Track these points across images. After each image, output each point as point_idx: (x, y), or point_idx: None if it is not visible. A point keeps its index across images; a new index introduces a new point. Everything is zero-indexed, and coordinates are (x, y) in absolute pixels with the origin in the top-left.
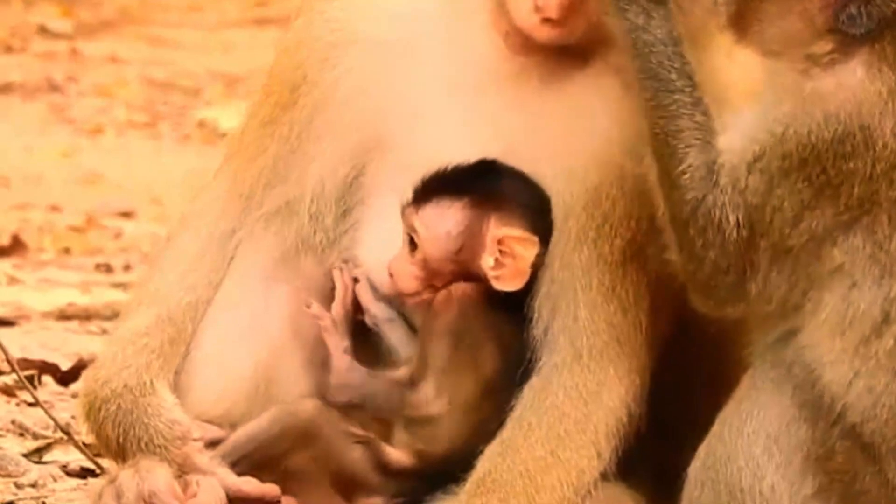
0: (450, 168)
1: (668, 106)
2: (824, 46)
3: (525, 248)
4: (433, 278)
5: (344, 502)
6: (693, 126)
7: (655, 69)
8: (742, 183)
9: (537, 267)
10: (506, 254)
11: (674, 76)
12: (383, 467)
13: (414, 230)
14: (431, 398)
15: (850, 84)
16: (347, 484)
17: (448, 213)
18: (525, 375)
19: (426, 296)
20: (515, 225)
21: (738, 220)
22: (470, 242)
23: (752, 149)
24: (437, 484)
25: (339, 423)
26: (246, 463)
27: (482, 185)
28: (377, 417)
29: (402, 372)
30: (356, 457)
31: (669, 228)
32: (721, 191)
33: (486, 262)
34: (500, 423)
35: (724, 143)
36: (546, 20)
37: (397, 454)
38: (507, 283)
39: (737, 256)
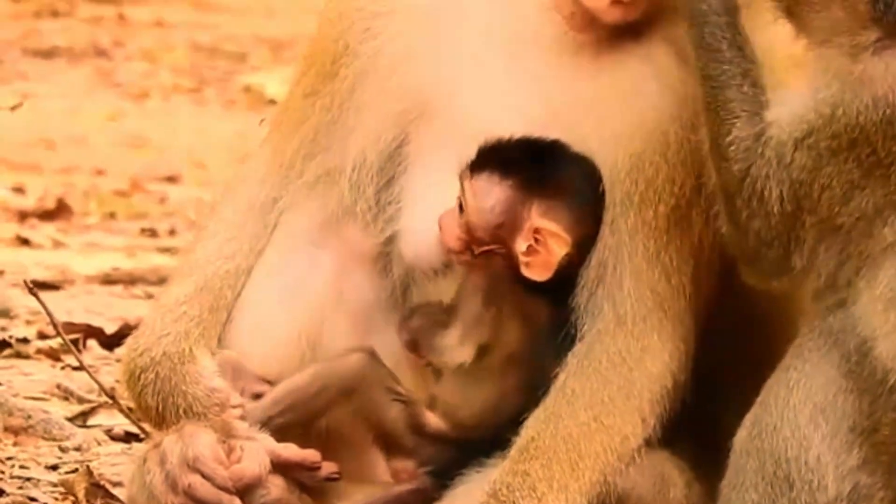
0: (512, 140)
1: (717, 76)
2: (870, 36)
3: (557, 245)
4: (474, 243)
5: (383, 460)
6: (741, 97)
7: (707, 39)
8: (787, 158)
9: (571, 265)
10: (540, 243)
11: (724, 46)
12: (419, 429)
13: (463, 195)
14: (456, 345)
15: None
16: (385, 442)
17: (495, 189)
18: (562, 352)
19: (466, 258)
20: (556, 219)
21: (781, 193)
22: (510, 222)
23: (800, 127)
24: (468, 459)
25: (382, 378)
26: (288, 416)
27: (537, 168)
28: (415, 352)
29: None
30: (395, 415)
31: (719, 198)
32: (766, 162)
33: (520, 246)
34: (525, 403)
35: (771, 117)
36: (616, 2)
37: (434, 418)
38: (535, 272)
39: (780, 229)
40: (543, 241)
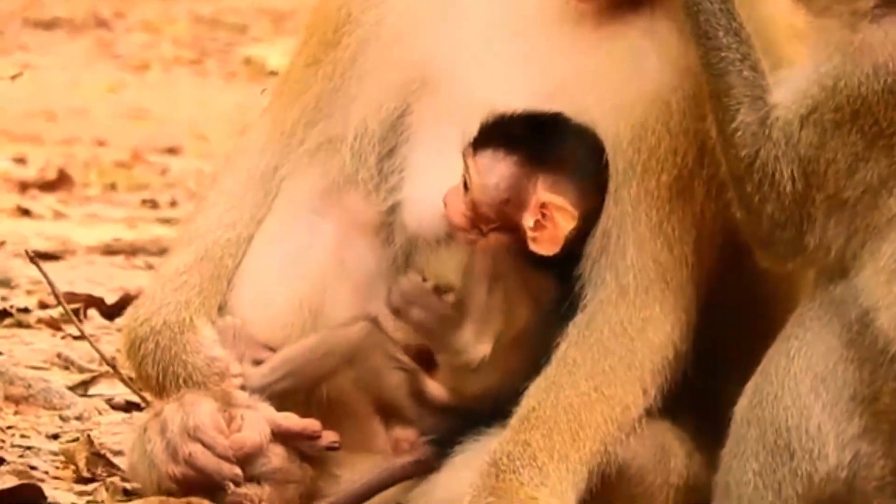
0: (514, 115)
1: (716, 64)
2: (868, 3)
3: (564, 219)
4: (479, 221)
5: (384, 429)
6: (742, 82)
7: (703, 27)
8: (795, 137)
9: (577, 238)
10: (547, 218)
11: (720, 33)
12: (420, 398)
13: (467, 172)
14: (473, 342)
15: None
16: (386, 411)
17: (499, 165)
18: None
19: (472, 236)
20: (562, 192)
21: (792, 173)
22: (516, 198)
23: (804, 103)
24: (469, 429)
25: (386, 346)
26: (287, 383)
27: (541, 143)
28: (423, 337)
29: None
30: (396, 383)
31: (730, 185)
32: (774, 144)
33: (527, 221)
34: (527, 375)
35: (776, 98)
36: None
37: (436, 387)
38: (542, 246)
39: (793, 210)
40: (550, 216)
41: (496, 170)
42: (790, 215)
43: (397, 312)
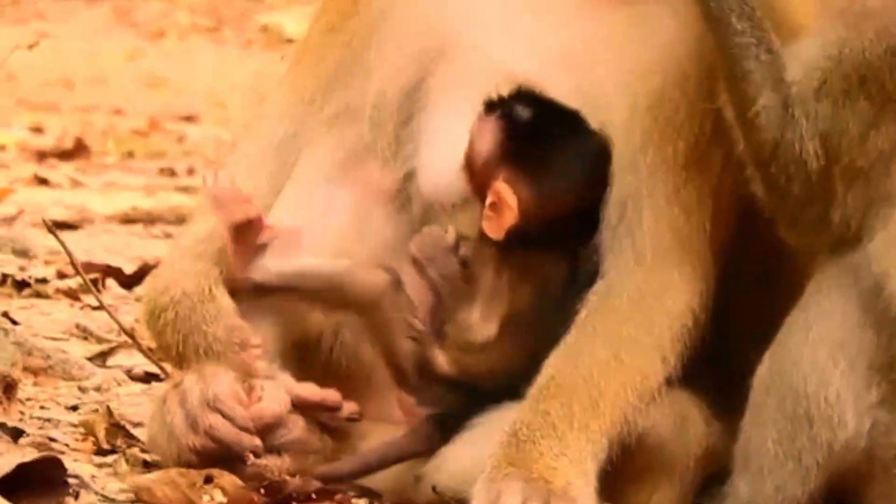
0: (533, 97)
1: (731, 49)
2: None
3: (507, 213)
4: (476, 176)
5: (399, 389)
6: (760, 66)
7: (715, 13)
8: (813, 112)
9: (534, 235)
10: (495, 206)
11: (733, 19)
12: (426, 368)
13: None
14: (479, 322)
15: None
16: (393, 372)
17: (486, 136)
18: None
19: (479, 204)
20: (516, 189)
21: (815, 150)
22: (485, 173)
23: (815, 76)
24: (470, 407)
25: (403, 307)
26: (293, 295)
27: (530, 135)
28: (434, 298)
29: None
30: (406, 349)
31: (751, 166)
32: (797, 123)
33: (487, 199)
34: (533, 358)
35: (790, 77)
36: None
37: (443, 360)
38: (489, 228)
39: (819, 186)
40: (500, 205)
41: (483, 139)
42: (816, 192)
43: (415, 263)
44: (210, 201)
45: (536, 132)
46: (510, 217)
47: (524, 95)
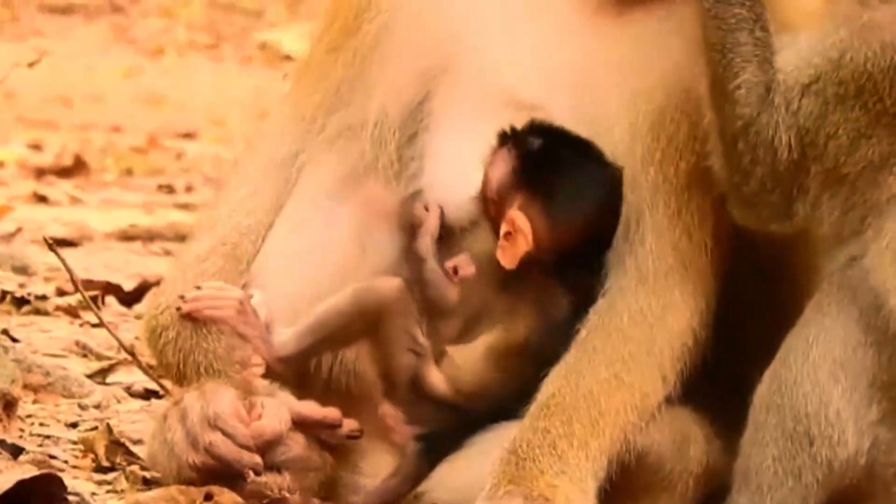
0: (547, 128)
1: (727, 19)
2: None
3: (521, 241)
4: (491, 207)
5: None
6: (752, 41)
7: None
8: (795, 104)
9: (547, 265)
10: (510, 236)
11: None
12: (419, 386)
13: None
14: (454, 334)
15: None
16: (385, 384)
17: (501, 165)
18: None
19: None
20: (530, 218)
21: (789, 140)
22: (500, 203)
23: (807, 72)
24: (459, 431)
25: (408, 320)
26: (323, 345)
27: (546, 164)
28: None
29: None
30: (404, 362)
31: (715, 138)
32: (775, 109)
33: (502, 228)
34: (528, 385)
35: (779, 63)
36: None
37: (438, 379)
38: (503, 257)
39: (786, 176)
40: (514, 234)
41: (498, 168)
42: (781, 181)
43: (409, 249)
44: (200, 315)
45: (550, 160)
46: (524, 245)
47: (537, 126)
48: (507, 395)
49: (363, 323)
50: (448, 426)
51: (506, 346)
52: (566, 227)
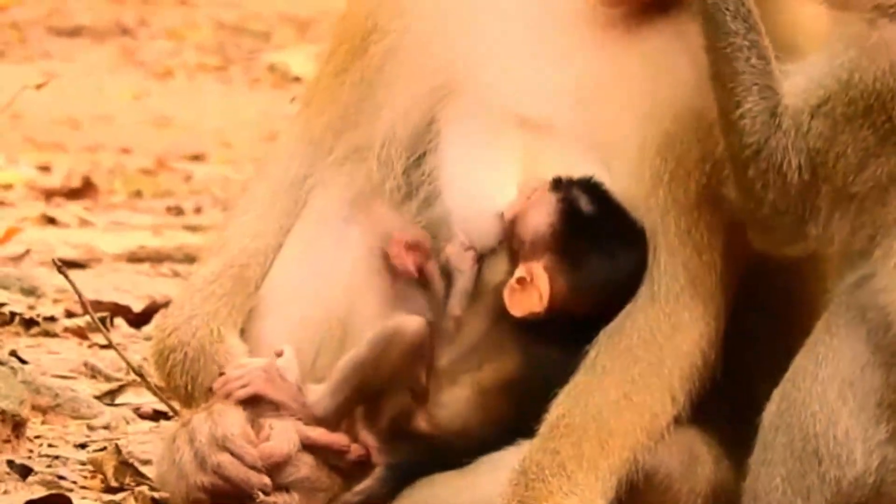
0: (602, 195)
1: (722, 49)
2: (890, 0)
3: (535, 298)
4: (515, 241)
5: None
6: (750, 69)
7: (711, 11)
8: (805, 127)
9: (550, 322)
10: (528, 284)
11: (728, 18)
12: (404, 419)
13: (528, 195)
14: (448, 365)
15: None
16: (367, 409)
17: (543, 213)
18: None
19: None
20: (552, 278)
21: (799, 163)
22: (527, 248)
23: (816, 93)
24: (428, 466)
25: (422, 360)
26: (357, 397)
27: (585, 231)
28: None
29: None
30: (398, 400)
31: (729, 167)
32: (784, 134)
33: (518, 272)
34: (512, 427)
35: (788, 87)
36: None
37: (423, 417)
38: (510, 302)
39: (797, 199)
40: (529, 286)
41: (538, 214)
42: (793, 204)
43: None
44: (237, 399)
45: (592, 232)
46: (537, 304)
47: (592, 187)
48: (486, 436)
49: (392, 365)
50: (420, 460)
51: (491, 386)
52: (583, 299)
